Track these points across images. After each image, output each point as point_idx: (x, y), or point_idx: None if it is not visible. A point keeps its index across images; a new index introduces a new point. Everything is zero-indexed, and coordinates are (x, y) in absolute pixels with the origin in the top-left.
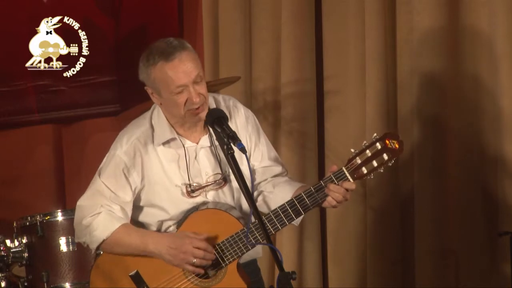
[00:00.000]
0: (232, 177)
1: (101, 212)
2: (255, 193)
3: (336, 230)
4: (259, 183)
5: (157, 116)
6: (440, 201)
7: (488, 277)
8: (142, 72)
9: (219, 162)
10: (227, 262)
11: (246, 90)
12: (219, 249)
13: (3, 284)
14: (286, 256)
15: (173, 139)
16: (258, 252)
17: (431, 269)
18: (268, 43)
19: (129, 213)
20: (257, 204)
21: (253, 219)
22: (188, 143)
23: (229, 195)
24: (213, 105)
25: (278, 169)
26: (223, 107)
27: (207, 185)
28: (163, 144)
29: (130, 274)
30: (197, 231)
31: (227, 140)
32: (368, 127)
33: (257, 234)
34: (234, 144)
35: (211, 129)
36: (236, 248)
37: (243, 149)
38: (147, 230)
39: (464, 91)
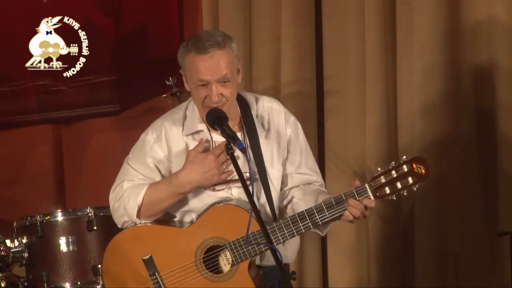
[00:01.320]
0: (259, 177)
1: (126, 187)
2: (285, 201)
3: (336, 230)
4: (291, 188)
5: (192, 106)
6: (440, 202)
7: (488, 277)
8: (180, 54)
9: (248, 161)
10: (239, 260)
11: (246, 90)
12: (233, 246)
13: (3, 284)
14: None
15: (201, 131)
16: (286, 256)
17: (431, 269)
18: (268, 43)
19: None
20: (287, 210)
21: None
22: (216, 137)
23: (254, 194)
24: (253, 104)
25: (312, 178)
26: (261, 107)
27: (231, 181)
28: (192, 134)
29: (144, 257)
30: (215, 224)
31: (227, 140)
32: (368, 127)
33: (260, 237)
34: (234, 144)
35: (245, 128)
36: (250, 247)
37: (243, 149)
38: (169, 177)
39: (464, 90)
